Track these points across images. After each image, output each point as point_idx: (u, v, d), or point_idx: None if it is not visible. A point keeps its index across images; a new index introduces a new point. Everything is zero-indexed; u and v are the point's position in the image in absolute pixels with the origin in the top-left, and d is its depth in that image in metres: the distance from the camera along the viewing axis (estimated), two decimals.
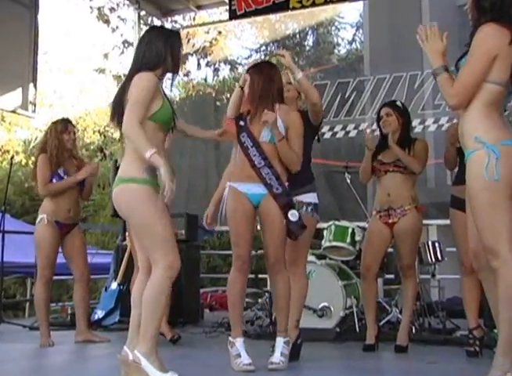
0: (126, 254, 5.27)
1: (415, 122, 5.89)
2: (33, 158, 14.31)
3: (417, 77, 6.49)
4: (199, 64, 9.40)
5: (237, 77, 9.60)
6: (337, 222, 5.10)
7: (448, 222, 4.22)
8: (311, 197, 3.79)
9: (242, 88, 3.61)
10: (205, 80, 9.30)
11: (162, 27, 3.50)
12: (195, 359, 4.00)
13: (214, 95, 8.75)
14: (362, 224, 5.09)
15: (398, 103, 4.39)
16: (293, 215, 3.43)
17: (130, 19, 10.59)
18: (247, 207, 3.47)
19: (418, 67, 6.38)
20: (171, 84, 3.21)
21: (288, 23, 8.91)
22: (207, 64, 9.48)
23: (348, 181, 5.27)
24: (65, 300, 8.95)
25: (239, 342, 3.43)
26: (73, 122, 4.96)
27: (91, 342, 4.62)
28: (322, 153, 6.27)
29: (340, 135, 6.84)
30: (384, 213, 4.20)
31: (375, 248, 4.23)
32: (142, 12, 7.98)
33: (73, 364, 4.13)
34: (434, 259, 4.94)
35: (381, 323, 4.69)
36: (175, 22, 9.77)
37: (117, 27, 12.70)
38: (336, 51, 10.21)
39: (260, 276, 6.01)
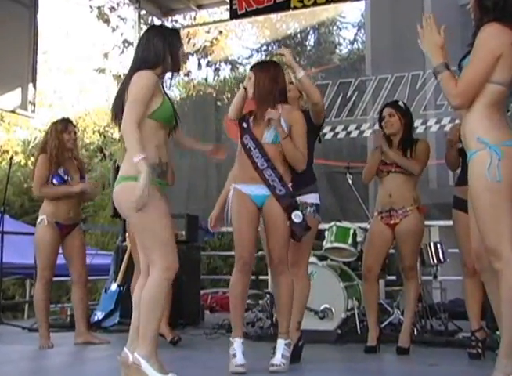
0: (126, 255, 5.27)
1: (417, 122, 5.89)
2: (32, 158, 14.36)
3: (419, 77, 6.49)
4: (199, 64, 9.40)
5: (238, 77, 9.64)
6: (338, 223, 5.10)
7: (450, 223, 4.22)
8: (313, 198, 3.79)
9: (246, 88, 3.61)
10: (206, 80, 9.29)
11: (161, 25, 3.51)
12: (195, 361, 4.00)
13: (214, 95, 8.74)
14: (363, 225, 5.10)
15: (401, 104, 4.39)
16: (296, 217, 3.43)
17: (130, 18, 10.59)
18: (251, 209, 3.48)
19: (420, 67, 6.38)
20: (170, 83, 3.20)
21: (289, 22, 8.91)
22: (208, 64, 9.48)
23: (350, 181, 5.27)
24: (64, 301, 8.95)
25: (237, 343, 3.43)
26: (73, 122, 4.95)
27: (91, 344, 4.62)
28: (323, 154, 6.27)
29: (342, 135, 6.84)
30: (385, 214, 4.19)
31: (376, 249, 4.23)
32: (143, 12, 7.99)
33: (73, 366, 4.13)
34: (436, 260, 4.94)
35: (383, 325, 4.69)
36: (176, 21, 9.76)
37: (117, 27, 12.70)
38: (337, 51, 10.22)
39: (261, 277, 6.02)
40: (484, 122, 2.69)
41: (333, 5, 7.55)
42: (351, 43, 10.39)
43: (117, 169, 3.64)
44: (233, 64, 9.64)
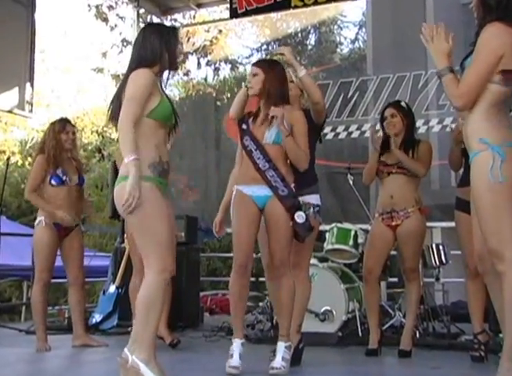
0: (124, 257, 5.28)
1: (419, 123, 5.90)
2: (30, 159, 14.38)
3: (421, 76, 6.50)
4: (199, 63, 9.39)
5: (238, 76, 9.64)
6: (339, 225, 5.11)
7: (452, 224, 4.22)
8: (314, 199, 3.79)
9: (248, 87, 3.61)
10: (205, 79, 9.29)
11: (158, 23, 3.52)
12: (195, 364, 4.00)
13: (214, 94, 8.75)
14: (364, 226, 5.10)
15: (403, 104, 4.39)
16: (299, 217, 3.43)
17: (129, 17, 10.59)
18: (252, 211, 3.48)
19: (422, 67, 6.39)
20: (167, 82, 3.20)
21: (290, 21, 8.91)
22: (208, 63, 9.47)
23: (351, 182, 5.28)
24: (62, 303, 8.93)
25: (236, 343, 3.45)
26: (72, 122, 4.95)
27: (89, 347, 4.62)
28: (324, 154, 6.27)
29: (343, 135, 6.85)
30: (386, 215, 4.20)
31: (377, 251, 4.23)
32: (142, 10, 8.00)
33: (70, 369, 4.13)
34: (438, 262, 4.94)
35: (384, 328, 4.69)
36: (175, 20, 9.75)
37: (115, 26, 12.68)
38: (338, 50, 10.20)
39: (261, 279, 6.00)
40: (486, 123, 2.69)
41: (334, 4, 7.56)
42: (353, 42, 10.38)
43: (116, 170, 3.64)
44: (233, 64, 9.63)
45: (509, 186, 2.62)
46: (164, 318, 4.50)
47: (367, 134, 6.71)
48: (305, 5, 6.87)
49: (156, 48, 3.05)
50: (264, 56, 9.17)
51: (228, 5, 7.28)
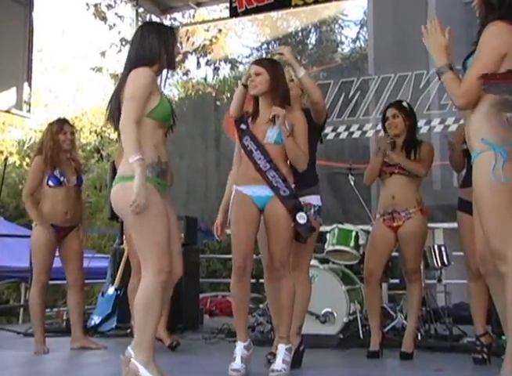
0: (123, 258, 5.28)
1: (420, 123, 5.88)
2: (28, 159, 14.37)
3: (423, 76, 6.50)
4: (198, 63, 9.40)
5: (238, 76, 9.63)
6: (340, 226, 5.10)
7: (454, 225, 4.22)
8: (314, 200, 3.79)
9: (245, 85, 3.61)
10: (205, 79, 9.30)
11: (156, 22, 3.52)
12: (194, 366, 4.00)
13: (214, 94, 8.76)
14: (365, 227, 5.09)
15: (405, 104, 4.38)
16: (301, 218, 3.43)
17: (128, 16, 10.58)
18: (252, 211, 3.47)
19: (424, 66, 6.39)
20: (165, 81, 3.21)
21: (290, 20, 8.92)
22: (207, 63, 9.48)
23: (352, 183, 5.27)
24: (60, 305, 8.94)
25: (238, 346, 3.45)
26: (70, 122, 4.94)
27: (88, 349, 4.62)
28: (325, 155, 6.26)
29: (344, 135, 6.85)
30: (388, 216, 4.20)
31: (378, 252, 4.23)
32: (140, 10, 7.99)
33: (69, 372, 4.13)
34: (440, 264, 4.94)
35: (386, 330, 4.69)
36: (174, 19, 9.75)
37: (114, 25, 12.68)
38: (339, 49, 10.23)
39: (261, 280, 6.00)
40: (488, 122, 2.69)
41: (335, 3, 7.56)
42: (354, 41, 10.40)
43: (115, 170, 3.64)
44: (233, 63, 9.64)
45: (511, 186, 2.61)
46: (164, 320, 4.50)
47: (368, 134, 6.73)
48: (306, 4, 6.86)
49: (156, 48, 3.05)
50: (264, 55, 9.18)
51: (228, 4, 7.28)
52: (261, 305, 5.46)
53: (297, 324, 3.69)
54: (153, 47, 3.05)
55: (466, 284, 4.11)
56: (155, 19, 8.00)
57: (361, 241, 4.96)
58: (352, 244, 4.99)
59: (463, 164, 4.06)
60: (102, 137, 17.10)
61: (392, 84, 6.63)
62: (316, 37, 9.52)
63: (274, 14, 8.23)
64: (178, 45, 8.25)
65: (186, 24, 9.59)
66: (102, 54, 13.89)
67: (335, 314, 4.76)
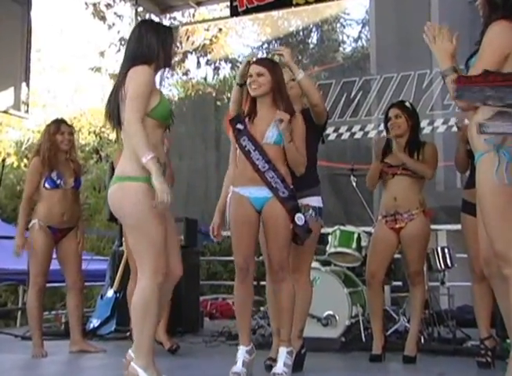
0: (123, 261, 5.28)
1: (423, 123, 5.88)
2: (25, 160, 14.37)
3: (426, 76, 6.50)
4: (198, 63, 9.39)
5: None
6: (342, 227, 5.10)
7: (458, 226, 4.23)
8: (315, 201, 3.79)
9: (240, 85, 3.61)
10: (205, 79, 9.29)
11: (153, 21, 3.53)
12: (195, 370, 4.00)
13: (214, 94, 8.76)
14: (368, 229, 5.09)
15: (407, 104, 4.39)
16: (299, 219, 3.43)
17: (127, 15, 10.59)
18: (250, 213, 3.46)
19: (427, 66, 6.39)
20: (162, 81, 3.22)
21: (291, 20, 8.91)
22: (207, 63, 9.47)
23: (354, 184, 5.27)
24: (59, 308, 8.93)
25: (240, 350, 3.46)
26: (68, 123, 4.94)
27: (86, 353, 4.62)
28: (326, 155, 6.26)
29: (346, 136, 6.85)
30: (390, 218, 4.20)
31: (381, 254, 4.24)
32: (140, 9, 7.99)
33: (67, 375, 4.13)
34: (443, 266, 4.94)
35: (388, 333, 4.69)
36: (174, 19, 9.74)
37: (113, 24, 12.68)
38: (341, 49, 10.21)
39: (262, 283, 6.00)
40: None
41: (337, 2, 7.57)
42: (356, 41, 10.38)
43: (114, 171, 3.63)
44: (233, 63, 9.62)
45: None
46: (163, 323, 4.50)
47: (370, 134, 6.73)
48: (307, 3, 6.87)
49: (154, 46, 3.06)
50: (265, 54, 9.18)
51: (228, 3, 7.28)
52: (262, 308, 5.46)
53: (298, 327, 3.69)
54: (151, 45, 3.06)
55: (470, 287, 4.11)
56: (154, 18, 8.00)
57: (363, 243, 4.96)
58: (354, 245, 4.99)
59: (468, 165, 4.06)
60: (101, 138, 17.10)
61: (395, 84, 6.62)
62: (318, 36, 9.51)
63: (275, 13, 8.23)
64: (178, 44, 8.31)
65: (186, 23, 9.58)
66: (101, 54, 13.89)
67: (337, 317, 4.76)
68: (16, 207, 13.93)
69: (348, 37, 10.57)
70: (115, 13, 12.56)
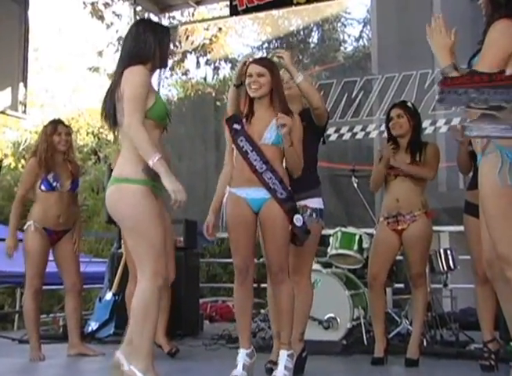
0: (121, 263, 5.28)
1: (426, 123, 5.89)
2: (23, 161, 14.38)
3: (428, 75, 6.50)
4: (198, 62, 9.40)
5: None
6: (343, 229, 5.11)
7: (460, 228, 4.23)
8: (316, 202, 3.79)
9: (236, 86, 3.61)
10: (204, 79, 9.31)
11: (150, 20, 3.54)
12: (194, 374, 4.00)
13: (214, 95, 8.76)
14: (369, 230, 5.09)
15: (409, 104, 4.39)
16: (298, 220, 3.42)
17: (125, 15, 10.63)
18: (247, 213, 3.45)
19: (429, 65, 6.39)
20: (160, 81, 3.23)
21: (292, 19, 8.92)
22: (207, 62, 9.48)
23: (355, 185, 5.27)
24: (56, 311, 8.93)
25: (241, 353, 3.45)
26: (66, 123, 4.94)
27: (85, 356, 4.62)
28: (327, 156, 6.26)
29: (347, 136, 6.85)
30: (392, 219, 4.20)
31: (382, 256, 4.24)
32: (138, 8, 7.99)
33: None
34: (446, 268, 4.94)
35: (390, 336, 4.69)
36: (173, 18, 9.75)
37: (111, 24, 12.69)
38: (342, 48, 10.21)
39: (262, 285, 6.00)
40: None
41: (338, 1, 7.59)
42: (357, 40, 10.39)
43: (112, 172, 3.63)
44: (233, 63, 9.61)
45: None
46: (163, 326, 4.50)
47: (372, 135, 6.73)
48: (308, 2, 6.87)
49: (150, 45, 3.07)
50: (265, 54, 9.19)
51: (228, 3, 7.29)
52: (262, 311, 5.46)
53: (299, 330, 3.69)
54: (148, 44, 3.06)
55: (473, 289, 4.11)
56: (153, 17, 8.01)
57: (364, 245, 4.96)
58: (356, 247, 4.99)
59: (470, 166, 4.06)
60: (99, 138, 17.12)
61: (396, 84, 6.63)
62: (318, 35, 9.51)
63: (275, 12, 8.24)
64: (177, 43, 8.32)
65: (185, 23, 9.59)
66: (100, 53, 13.89)
67: (338, 320, 4.76)
68: None
69: (349, 36, 10.59)
70: (113, 12, 12.58)
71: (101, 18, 12.47)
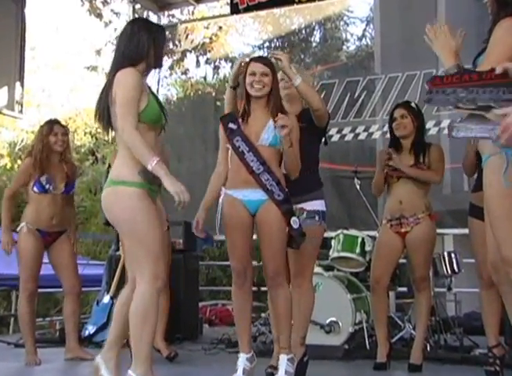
0: (119, 265, 5.27)
1: (430, 124, 5.89)
2: (19, 162, 14.36)
3: (432, 75, 6.49)
4: (198, 62, 9.42)
5: None
6: (345, 231, 5.11)
7: (465, 231, 4.23)
8: (318, 205, 3.78)
9: (233, 87, 3.61)
10: (204, 78, 9.31)
11: (145, 19, 3.55)
12: None
13: (214, 94, 8.76)
14: (372, 233, 5.09)
15: (413, 105, 4.39)
16: (294, 222, 3.42)
17: (124, 13, 10.63)
18: (243, 215, 3.45)
19: (433, 65, 6.38)
20: (159, 80, 3.23)
21: (293, 17, 8.93)
22: (207, 62, 9.50)
23: (358, 187, 5.27)
24: (53, 315, 8.95)
25: (241, 358, 3.45)
26: (63, 123, 4.94)
27: (82, 360, 4.61)
28: (329, 157, 6.27)
29: (349, 137, 6.85)
30: (395, 222, 4.20)
31: (385, 259, 4.23)
32: (137, 6, 8.01)
33: None
34: (450, 271, 4.94)
35: (393, 340, 4.68)
36: (173, 16, 9.78)
37: (110, 22, 12.73)
38: (344, 47, 10.22)
39: (262, 288, 6.01)
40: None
41: None
42: (360, 39, 10.40)
43: None
44: (234, 62, 9.63)
45: None
46: (161, 329, 4.50)
47: (375, 136, 6.73)
48: (310, 0, 6.88)
49: (144, 44, 3.07)
50: (266, 54, 9.19)
51: (228, 1, 7.29)
52: (262, 314, 5.46)
53: (300, 334, 3.69)
54: (142, 43, 3.06)
55: (478, 293, 4.10)
56: (152, 15, 8.02)
57: (367, 248, 4.96)
58: (358, 250, 4.99)
59: (476, 168, 4.06)
60: (97, 139, 17.10)
61: (400, 84, 6.63)
62: (320, 34, 9.52)
63: (276, 11, 8.24)
64: (177, 42, 8.33)
65: (185, 21, 9.61)
66: (98, 52, 13.92)
67: (340, 324, 4.76)
68: None
69: (352, 35, 10.60)
70: (112, 10, 12.61)
71: (99, 16, 12.50)
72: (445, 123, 6.41)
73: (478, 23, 4.68)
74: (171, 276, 4.55)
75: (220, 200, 3.56)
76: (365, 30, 10.06)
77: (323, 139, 3.99)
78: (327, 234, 4.32)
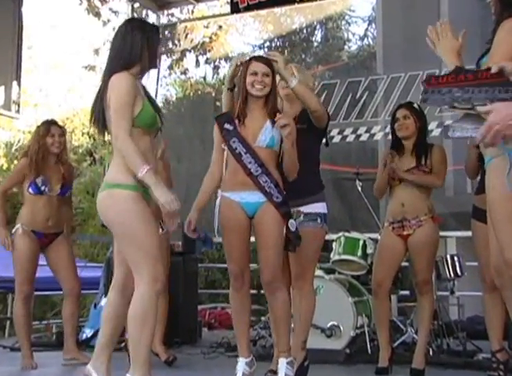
0: None
1: (432, 125, 5.89)
2: (15, 162, 14.35)
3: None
4: (197, 61, 9.42)
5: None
6: (346, 234, 5.10)
7: (468, 233, 4.23)
8: (320, 207, 3.77)
9: (230, 89, 3.61)
10: (204, 78, 9.32)
11: (140, 19, 3.54)
12: None
13: (213, 94, 8.76)
14: (374, 236, 5.09)
15: (415, 105, 4.39)
16: (292, 225, 3.42)
17: (123, 12, 10.63)
18: (241, 218, 3.44)
19: (436, 65, 6.38)
20: (157, 81, 3.23)
21: (294, 16, 8.93)
22: (207, 61, 9.50)
23: (359, 189, 5.27)
24: (49, 318, 8.93)
25: (240, 362, 3.46)
26: (60, 123, 4.94)
27: (79, 364, 4.60)
28: (330, 159, 6.27)
29: (351, 138, 6.84)
30: (397, 224, 4.20)
31: (387, 262, 4.24)
32: (136, 5, 8.03)
33: None
34: (452, 274, 4.94)
35: (395, 344, 4.68)
36: (172, 15, 9.78)
37: (108, 21, 12.71)
38: (346, 47, 10.24)
39: (262, 291, 6.01)
40: None
41: None
42: (361, 39, 10.41)
43: None
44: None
45: None
46: (160, 333, 4.50)
47: (377, 137, 6.73)
48: None
49: (138, 44, 3.07)
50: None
51: (228, 0, 7.30)
52: (262, 318, 5.46)
53: (301, 338, 3.69)
54: (135, 44, 3.06)
55: (481, 296, 4.11)
56: (152, 15, 8.04)
57: (369, 250, 4.96)
58: (360, 253, 4.99)
59: (478, 171, 4.06)
60: (95, 139, 17.08)
61: (402, 85, 6.63)
62: (322, 34, 9.53)
63: (277, 10, 8.24)
64: (176, 42, 8.33)
65: (185, 20, 9.61)
66: (96, 52, 13.91)
67: (341, 328, 4.76)
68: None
69: (354, 35, 10.60)
70: (110, 9, 12.60)
71: (97, 15, 12.49)
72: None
73: (482, 24, 4.69)
74: (170, 279, 4.57)
75: (217, 202, 3.55)
76: (367, 29, 10.06)
77: (324, 141, 3.99)
78: (328, 237, 4.32)
